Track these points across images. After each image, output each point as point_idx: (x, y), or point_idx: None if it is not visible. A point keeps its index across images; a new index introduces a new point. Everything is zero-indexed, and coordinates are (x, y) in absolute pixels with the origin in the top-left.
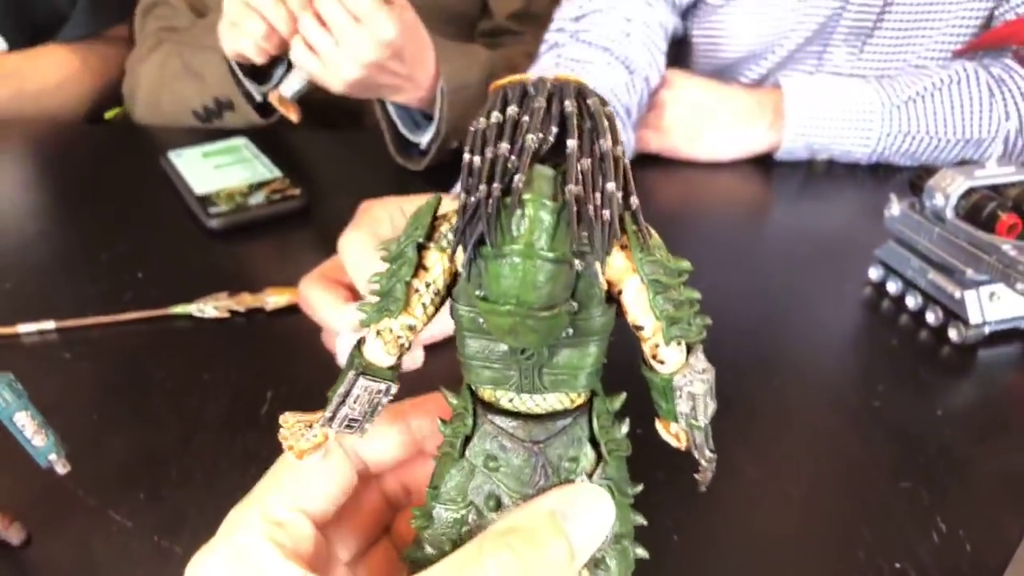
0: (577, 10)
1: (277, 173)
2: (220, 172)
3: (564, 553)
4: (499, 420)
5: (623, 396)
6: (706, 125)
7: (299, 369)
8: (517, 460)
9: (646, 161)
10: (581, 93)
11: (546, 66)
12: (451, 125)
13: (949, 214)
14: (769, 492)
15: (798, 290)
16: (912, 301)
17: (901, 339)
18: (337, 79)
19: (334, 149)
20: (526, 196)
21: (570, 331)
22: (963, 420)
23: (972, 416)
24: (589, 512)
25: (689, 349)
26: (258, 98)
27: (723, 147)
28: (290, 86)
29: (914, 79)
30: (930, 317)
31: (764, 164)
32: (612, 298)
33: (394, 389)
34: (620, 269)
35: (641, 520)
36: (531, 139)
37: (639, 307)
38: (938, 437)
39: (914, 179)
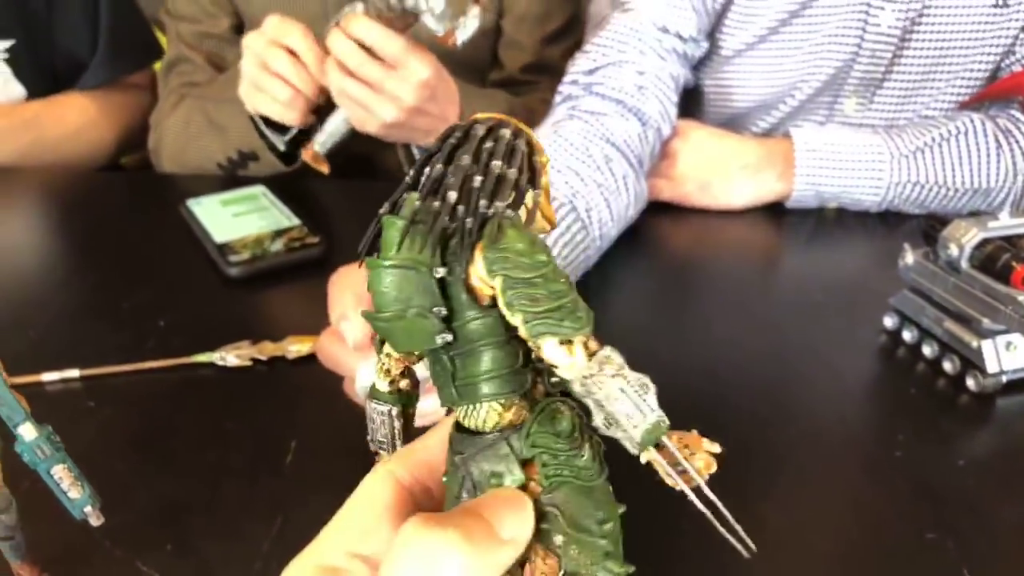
0: (591, 63)
1: (295, 221)
2: (239, 220)
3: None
4: (452, 435)
5: (568, 415)
6: (717, 174)
7: (322, 417)
8: (447, 474)
9: (657, 209)
10: (515, 133)
11: (560, 117)
12: None
13: (964, 264)
14: (793, 543)
15: (812, 338)
16: (928, 350)
17: (919, 388)
18: (377, 124)
19: (350, 198)
20: (385, 218)
21: (448, 337)
22: (986, 470)
23: (994, 466)
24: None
25: (590, 350)
26: (282, 148)
27: (734, 196)
28: (324, 142)
29: (922, 130)
30: (947, 366)
31: (774, 211)
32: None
33: (395, 411)
34: (484, 274)
35: (626, 569)
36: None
37: (505, 308)
38: (962, 487)
39: (927, 229)
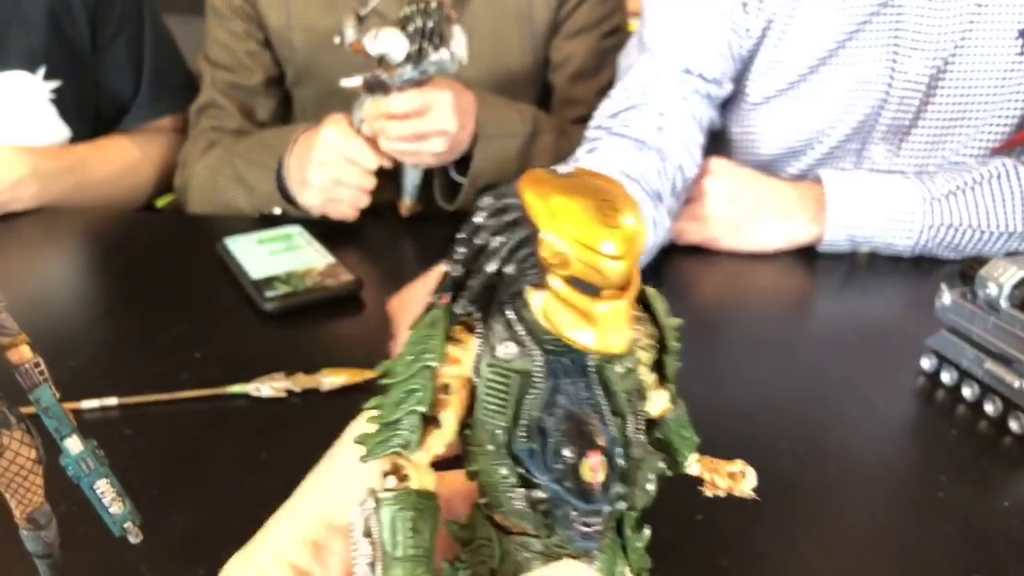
0: (613, 108)
1: (330, 259)
2: (275, 258)
3: None
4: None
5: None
6: (748, 217)
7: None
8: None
9: (686, 252)
10: None
11: (579, 156)
12: (480, 166)
13: (1004, 304)
14: None
15: (849, 380)
16: (969, 391)
17: (960, 429)
18: (435, 158)
19: (382, 238)
20: None
21: None
22: None
23: None
24: None
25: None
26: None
27: (765, 239)
28: (411, 193)
29: (954, 174)
30: (988, 408)
31: (806, 255)
32: None
33: None
34: None
35: None
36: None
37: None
38: (1007, 529)
39: (965, 269)
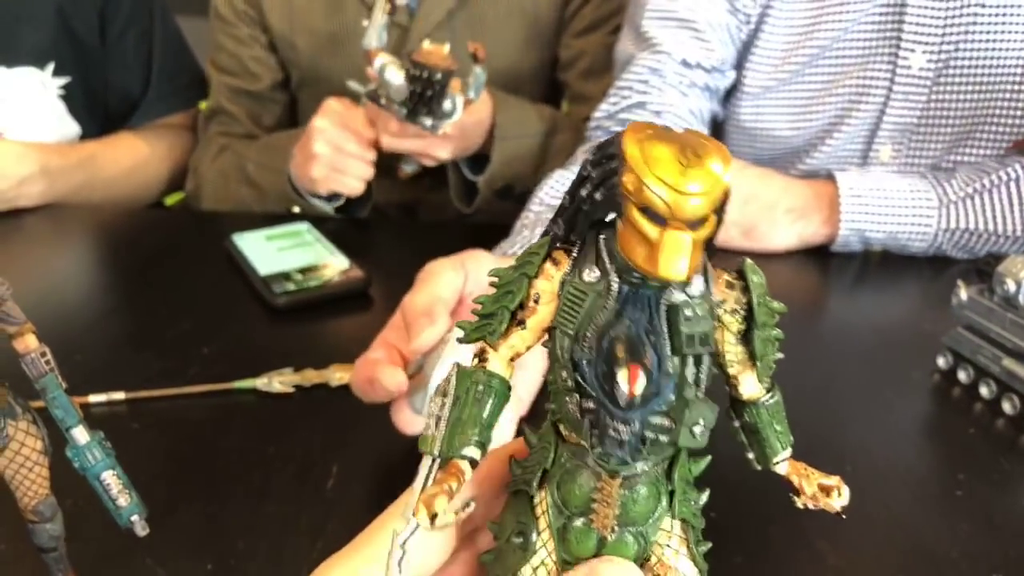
0: (612, 107)
1: (339, 255)
2: (283, 254)
3: None
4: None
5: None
6: (762, 218)
7: (364, 444)
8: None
9: None
10: None
11: (579, 156)
12: (497, 168)
13: (1022, 300)
14: None
15: (864, 379)
16: (986, 389)
17: (977, 428)
18: (435, 161)
19: (391, 237)
20: None
21: None
22: None
23: None
24: None
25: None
26: (331, 212)
27: (778, 240)
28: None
29: (971, 176)
30: (1006, 406)
31: (819, 253)
32: None
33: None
34: None
35: None
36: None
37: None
38: None
39: (982, 265)
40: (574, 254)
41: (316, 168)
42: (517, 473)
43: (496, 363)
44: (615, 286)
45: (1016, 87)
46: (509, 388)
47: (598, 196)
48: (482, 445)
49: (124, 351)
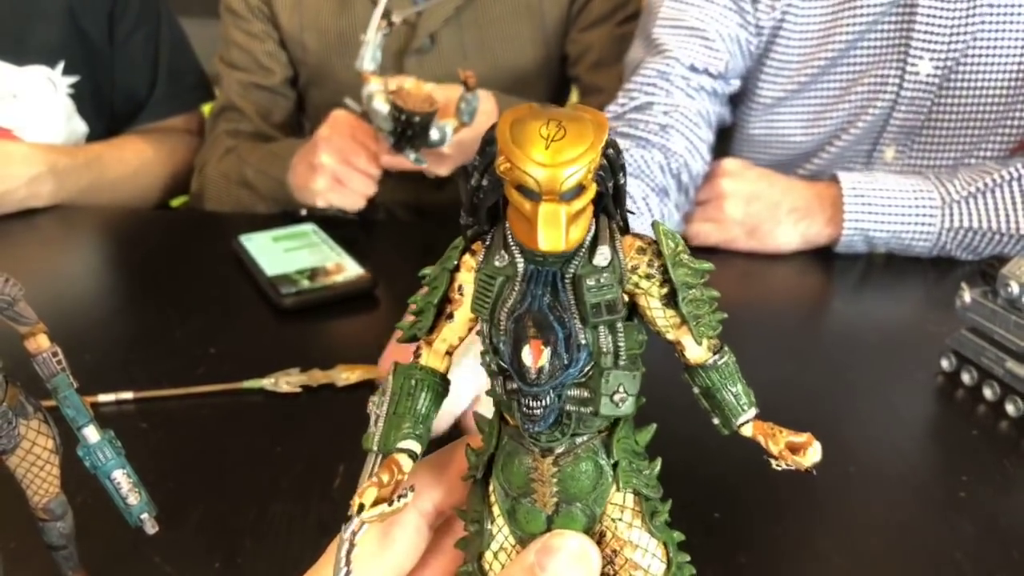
0: (619, 109)
1: (345, 256)
2: (290, 255)
3: None
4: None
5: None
6: (765, 218)
7: None
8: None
9: (703, 253)
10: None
11: None
12: None
13: None
14: None
15: (867, 381)
16: (989, 392)
17: (981, 430)
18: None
19: (398, 238)
20: None
21: None
22: None
23: None
24: (567, 565)
25: None
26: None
27: (782, 240)
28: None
29: (973, 175)
30: (1010, 408)
31: (823, 254)
32: None
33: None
34: None
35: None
36: None
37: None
38: None
39: (985, 267)
40: (485, 242)
41: (319, 180)
42: (472, 461)
43: (429, 357)
44: (520, 267)
45: (1013, 92)
46: (444, 379)
47: (485, 182)
48: (419, 437)
49: (133, 351)
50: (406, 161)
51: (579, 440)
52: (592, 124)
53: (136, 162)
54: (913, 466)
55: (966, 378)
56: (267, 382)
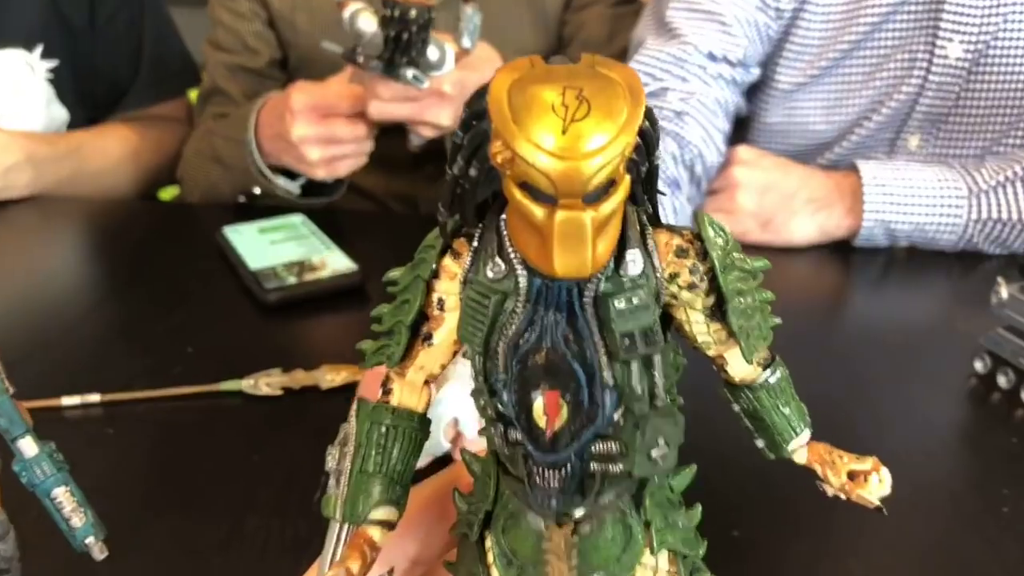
0: None
1: (334, 249)
2: (276, 248)
3: None
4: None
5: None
6: (780, 209)
7: None
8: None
9: None
10: None
11: None
12: None
13: None
14: None
15: (893, 384)
16: None
17: (1021, 437)
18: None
19: (387, 229)
20: None
21: None
22: None
23: None
24: None
25: None
26: (297, 192)
27: (798, 232)
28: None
29: (1001, 164)
30: None
31: (842, 248)
32: None
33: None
34: None
35: None
36: None
37: None
38: None
39: (1023, 261)
40: (474, 244)
41: (316, 170)
42: (462, 511)
43: (403, 394)
44: (523, 281)
45: None
46: (424, 421)
47: (472, 172)
48: (395, 502)
49: (106, 349)
50: (397, 110)
51: (603, 500)
52: (624, 89)
53: (120, 151)
54: (946, 478)
55: (1003, 381)
56: (246, 384)
